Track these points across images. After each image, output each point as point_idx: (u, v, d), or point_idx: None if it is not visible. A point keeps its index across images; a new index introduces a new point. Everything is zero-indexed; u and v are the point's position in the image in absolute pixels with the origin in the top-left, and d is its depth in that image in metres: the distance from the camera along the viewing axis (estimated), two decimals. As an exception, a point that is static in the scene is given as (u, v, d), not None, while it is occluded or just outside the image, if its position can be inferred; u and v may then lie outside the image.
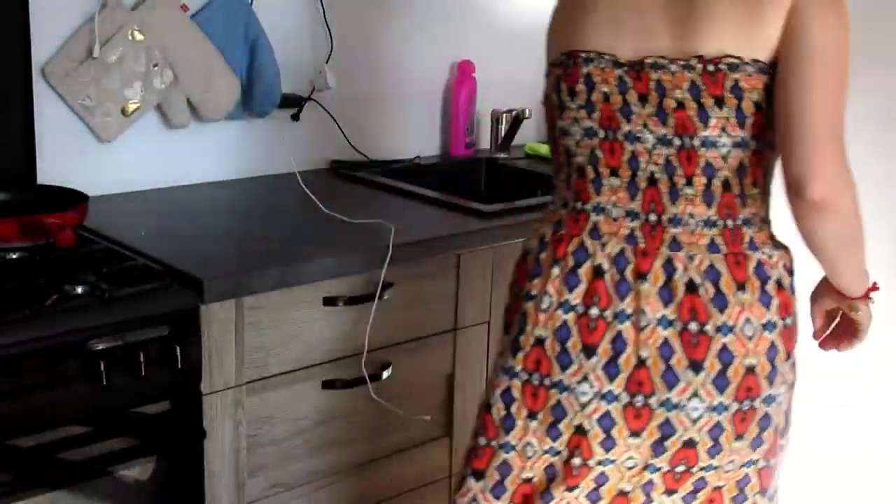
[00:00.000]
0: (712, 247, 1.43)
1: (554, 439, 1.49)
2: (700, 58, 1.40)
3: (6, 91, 1.99)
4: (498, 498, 1.54)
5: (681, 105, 1.42)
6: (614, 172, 1.46)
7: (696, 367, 1.42)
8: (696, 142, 1.42)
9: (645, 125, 1.44)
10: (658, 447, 1.46)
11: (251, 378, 1.79)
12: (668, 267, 1.43)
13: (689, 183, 1.43)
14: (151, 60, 2.17)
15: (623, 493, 1.50)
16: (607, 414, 1.46)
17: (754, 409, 1.45)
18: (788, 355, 1.48)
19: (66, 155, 2.13)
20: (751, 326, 1.42)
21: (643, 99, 1.44)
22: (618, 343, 1.44)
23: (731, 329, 1.42)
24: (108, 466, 1.62)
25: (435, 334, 2.06)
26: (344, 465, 1.98)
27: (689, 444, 1.45)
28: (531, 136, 2.94)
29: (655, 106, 1.43)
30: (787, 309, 1.47)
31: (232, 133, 2.39)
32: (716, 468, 1.47)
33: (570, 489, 1.50)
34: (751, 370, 1.43)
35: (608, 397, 1.45)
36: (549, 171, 2.61)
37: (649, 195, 1.45)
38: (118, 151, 2.21)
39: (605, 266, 1.45)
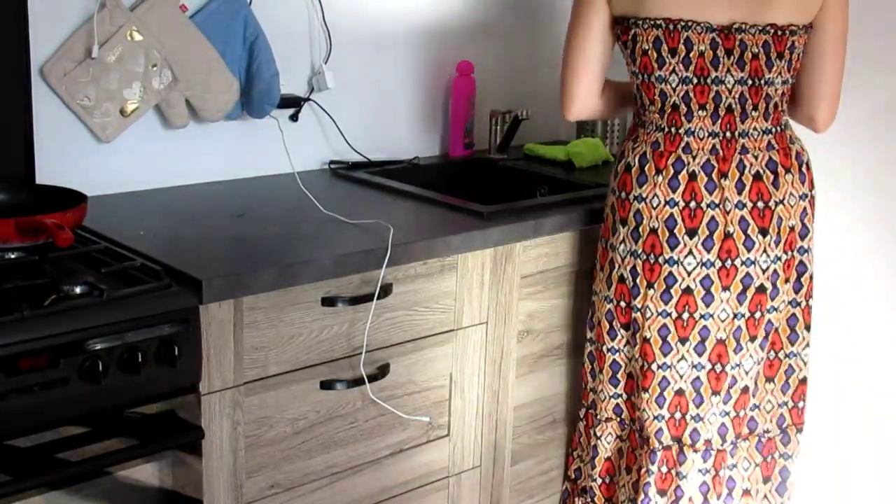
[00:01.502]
0: (769, 146, 2.01)
1: (666, 302, 2.02)
2: (773, 25, 1.94)
3: (5, 91, 1.99)
4: (615, 386, 2.16)
5: (755, 56, 1.95)
6: (702, 107, 1.97)
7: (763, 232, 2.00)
8: (762, 81, 1.97)
9: (728, 71, 1.95)
10: (742, 296, 2.01)
11: (250, 378, 1.80)
12: (741, 165, 1.98)
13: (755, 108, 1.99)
14: (150, 61, 2.17)
15: (721, 342, 2.03)
16: (707, 276, 1.99)
17: (794, 258, 2.06)
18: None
19: (64, 155, 2.13)
20: (793, 198, 2.03)
21: (728, 53, 1.94)
22: (711, 224, 1.99)
23: (780, 202, 2.01)
24: (107, 466, 1.62)
25: (434, 334, 2.06)
26: (342, 466, 1.98)
27: (761, 289, 2.02)
28: (530, 137, 2.93)
29: (737, 57, 1.95)
30: (812, 184, 2.07)
31: (231, 133, 2.39)
32: (776, 309, 2.06)
33: (682, 341, 2.03)
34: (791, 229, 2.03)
35: (707, 264, 1.99)
36: (547, 171, 2.66)
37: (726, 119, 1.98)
38: (117, 152, 2.21)
39: (697, 171, 1.98)
